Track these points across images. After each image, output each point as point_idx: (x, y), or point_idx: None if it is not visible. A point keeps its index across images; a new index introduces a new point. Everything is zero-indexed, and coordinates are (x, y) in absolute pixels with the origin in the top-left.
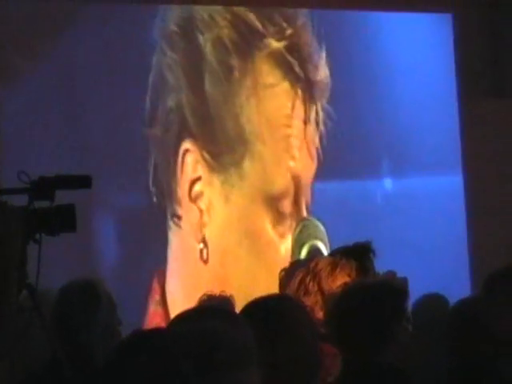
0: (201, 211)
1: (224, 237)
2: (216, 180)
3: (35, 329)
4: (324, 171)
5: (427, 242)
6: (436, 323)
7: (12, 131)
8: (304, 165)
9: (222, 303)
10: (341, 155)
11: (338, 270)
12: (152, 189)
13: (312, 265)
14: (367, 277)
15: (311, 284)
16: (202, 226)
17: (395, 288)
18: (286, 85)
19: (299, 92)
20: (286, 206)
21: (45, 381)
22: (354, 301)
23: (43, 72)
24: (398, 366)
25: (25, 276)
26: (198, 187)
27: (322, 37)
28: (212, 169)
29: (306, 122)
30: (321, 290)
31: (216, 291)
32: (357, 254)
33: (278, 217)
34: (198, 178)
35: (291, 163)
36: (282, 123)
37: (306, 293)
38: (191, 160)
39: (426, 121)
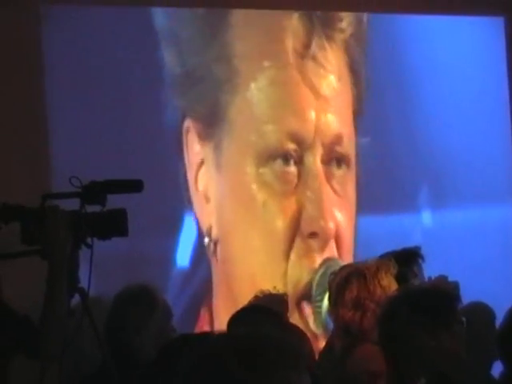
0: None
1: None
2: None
3: (85, 333)
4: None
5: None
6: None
7: (63, 135)
8: None
9: (275, 301)
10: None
11: (383, 270)
12: None
13: (359, 265)
14: (414, 282)
15: (356, 282)
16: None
17: (443, 293)
18: None
19: None
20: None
21: None
22: (401, 306)
23: (93, 78)
24: (445, 373)
25: (76, 280)
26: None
27: (366, 42)
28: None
29: None
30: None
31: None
32: (405, 259)
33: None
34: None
35: None
36: None
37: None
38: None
39: (476, 138)
